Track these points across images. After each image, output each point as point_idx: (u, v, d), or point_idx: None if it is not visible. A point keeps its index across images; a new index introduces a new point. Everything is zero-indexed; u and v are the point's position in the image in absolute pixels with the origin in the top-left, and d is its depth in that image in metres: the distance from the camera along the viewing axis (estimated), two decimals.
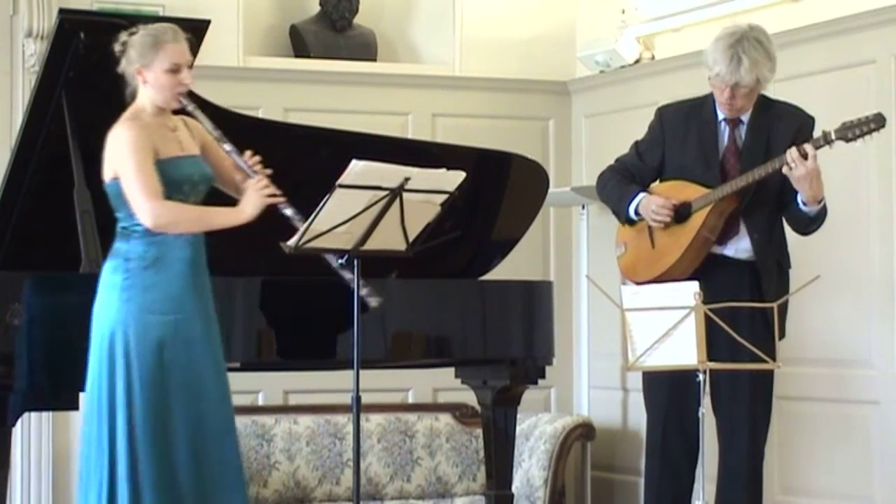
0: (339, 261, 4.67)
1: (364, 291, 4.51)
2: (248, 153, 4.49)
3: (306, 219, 4.49)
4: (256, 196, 4.42)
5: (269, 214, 4.44)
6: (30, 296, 4.65)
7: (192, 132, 4.57)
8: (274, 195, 4.42)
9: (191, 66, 4.48)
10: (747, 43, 5.03)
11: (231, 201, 4.52)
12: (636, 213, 5.26)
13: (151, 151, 4.40)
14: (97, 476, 4.39)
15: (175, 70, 4.44)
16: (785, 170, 4.95)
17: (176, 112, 4.53)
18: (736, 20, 6.43)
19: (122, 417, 4.36)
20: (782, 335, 5.11)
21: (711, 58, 5.08)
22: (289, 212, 4.46)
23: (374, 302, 4.55)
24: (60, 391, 4.80)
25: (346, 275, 4.54)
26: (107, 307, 4.42)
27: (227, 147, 4.48)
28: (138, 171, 4.37)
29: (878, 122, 4.96)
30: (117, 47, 4.48)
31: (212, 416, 4.44)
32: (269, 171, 4.47)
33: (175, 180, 4.44)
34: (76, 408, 4.85)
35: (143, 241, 4.41)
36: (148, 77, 4.45)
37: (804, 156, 4.91)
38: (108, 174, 4.45)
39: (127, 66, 4.47)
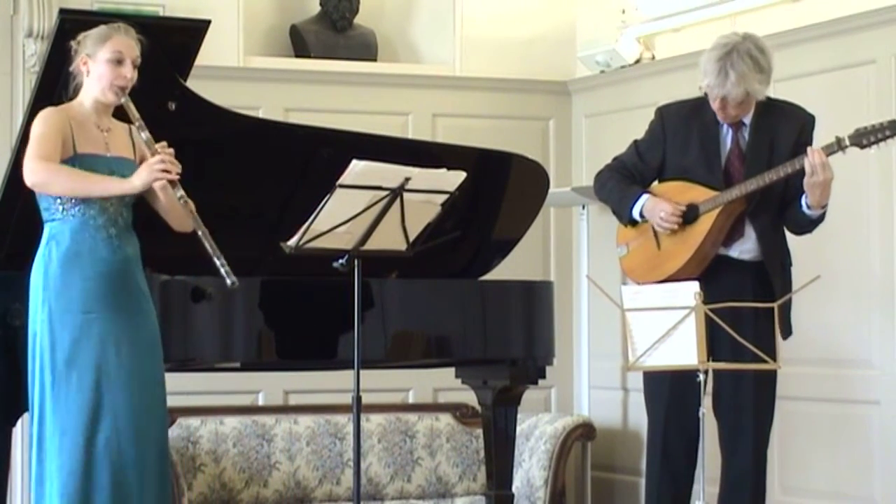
0: (340, 261, 4.69)
1: (224, 270, 4.37)
2: (162, 144, 4.44)
3: (304, 221, 4.49)
4: (147, 171, 4.38)
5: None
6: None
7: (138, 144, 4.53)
8: (166, 171, 4.36)
9: (136, 66, 4.47)
10: (736, 55, 5.00)
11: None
12: (640, 215, 5.25)
13: (60, 134, 4.39)
14: (37, 474, 4.39)
15: (118, 60, 4.44)
16: (808, 167, 4.93)
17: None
18: (736, 20, 6.45)
19: (39, 416, 4.37)
20: (790, 332, 5.12)
21: (703, 69, 5.08)
22: (179, 192, 4.40)
23: (229, 281, 4.37)
24: None
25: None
26: (32, 309, 4.43)
27: (144, 136, 4.45)
28: (35, 138, 4.38)
29: (892, 128, 4.93)
30: (73, 45, 4.50)
31: (131, 417, 4.38)
32: (178, 168, 4.43)
33: None
34: None
35: (59, 242, 4.41)
36: (91, 67, 4.47)
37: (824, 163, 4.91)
38: None
39: (76, 59, 4.49)
